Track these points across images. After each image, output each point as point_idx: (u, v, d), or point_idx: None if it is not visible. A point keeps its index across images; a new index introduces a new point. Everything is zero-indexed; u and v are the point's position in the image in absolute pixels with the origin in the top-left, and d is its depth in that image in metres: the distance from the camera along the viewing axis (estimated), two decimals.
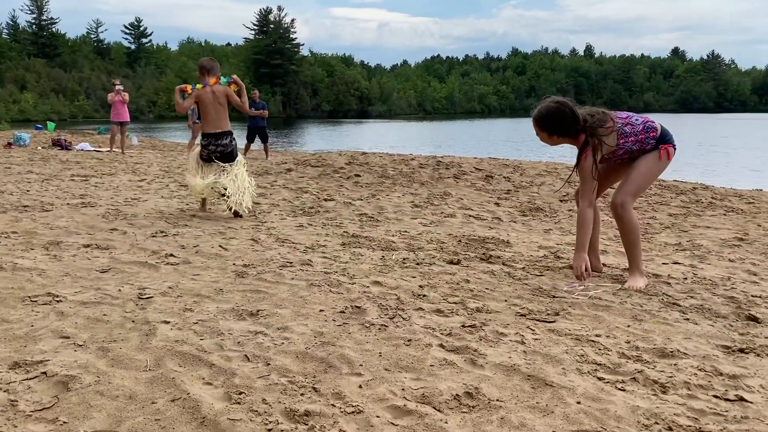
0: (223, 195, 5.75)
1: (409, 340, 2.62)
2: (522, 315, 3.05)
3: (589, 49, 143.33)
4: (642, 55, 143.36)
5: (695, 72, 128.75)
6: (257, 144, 15.95)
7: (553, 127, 3.69)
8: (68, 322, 2.75)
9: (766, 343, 2.76)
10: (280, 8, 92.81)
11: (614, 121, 3.70)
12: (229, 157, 5.90)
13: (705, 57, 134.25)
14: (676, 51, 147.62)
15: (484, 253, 4.47)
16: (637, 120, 3.76)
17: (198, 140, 15.19)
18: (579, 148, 3.73)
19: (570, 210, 6.71)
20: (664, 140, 3.75)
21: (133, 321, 2.79)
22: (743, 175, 16.59)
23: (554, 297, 3.38)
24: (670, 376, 2.34)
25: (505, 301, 3.29)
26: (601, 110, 3.74)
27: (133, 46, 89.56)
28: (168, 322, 2.77)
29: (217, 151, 5.81)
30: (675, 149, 3.78)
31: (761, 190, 11.69)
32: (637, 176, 3.74)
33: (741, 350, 2.66)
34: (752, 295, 3.59)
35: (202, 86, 5.90)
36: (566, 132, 3.70)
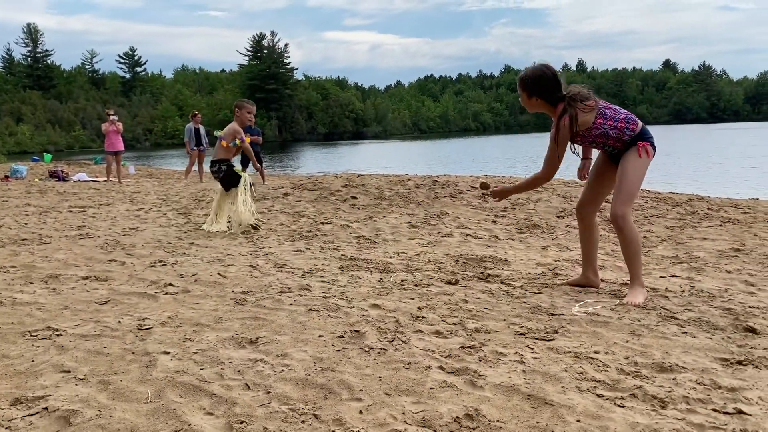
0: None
1: (408, 363, 2.63)
2: (521, 334, 3.06)
3: (581, 64, 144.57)
4: (634, 68, 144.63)
5: (687, 83, 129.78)
6: (252, 168, 16.01)
7: (533, 86, 3.73)
8: (68, 356, 2.76)
9: (764, 355, 2.78)
10: (273, 33, 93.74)
11: (597, 102, 3.73)
12: (226, 182, 6.70)
13: (696, 68, 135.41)
14: (667, 63, 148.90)
15: (482, 272, 4.48)
16: (621, 110, 3.80)
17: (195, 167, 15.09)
18: (555, 119, 3.74)
19: (567, 226, 6.74)
20: (643, 137, 3.77)
21: (133, 353, 2.80)
22: (739, 184, 16.67)
23: (553, 314, 3.40)
24: (669, 391, 2.35)
25: (504, 320, 3.31)
26: (588, 90, 3.77)
27: (128, 75, 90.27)
28: (168, 353, 2.77)
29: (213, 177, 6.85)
30: (655, 150, 3.79)
31: (757, 199, 11.74)
32: (625, 183, 3.75)
33: (739, 362, 2.67)
34: (750, 306, 3.60)
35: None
36: (545, 95, 3.73)
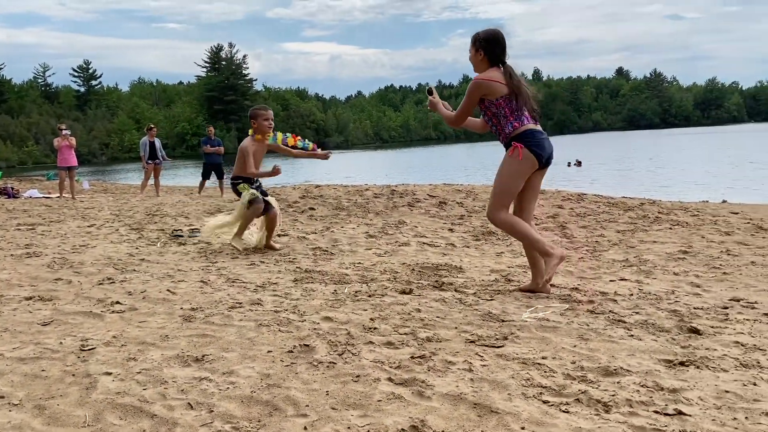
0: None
1: (357, 376, 2.61)
2: (471, 341, 3.07)
3: (537, 73, 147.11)
4: (588, 76, 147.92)
5: (640, 90, 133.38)
6: (212, 181, 15.83)
7: (484, 41, 4.05)
8: (4, 380, 2.65)
9: (706, 355, 2.84)
10: (231, 45, 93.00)
11: (519, 93, 3.98)
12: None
13: (648, 75, 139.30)
14: (620, 71, 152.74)
15: (436, 281, 4.49)
16: (523, 113, 4.02)
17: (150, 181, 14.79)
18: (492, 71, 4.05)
19: None
20: (521, 139, 3.97)
21: (73, 375, 2.71)
22: (691, 188, 17.15)
23: (503, 321, 3.42)
24: (613, 395, 2.37)
25: (455, 328, 3.31)
26: (526, 84, 4.05)
27: (82, 89, 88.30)
28: (110, 374, 2.69)
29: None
30: (535, 155, 3.96)
31: (707, 201, 12.10)
32: (496, 183, 4.09)
33: (682, 363, 2.73)
34: (695, 308, 3.69)
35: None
36: (489, 52, 4.03)
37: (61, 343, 3.17)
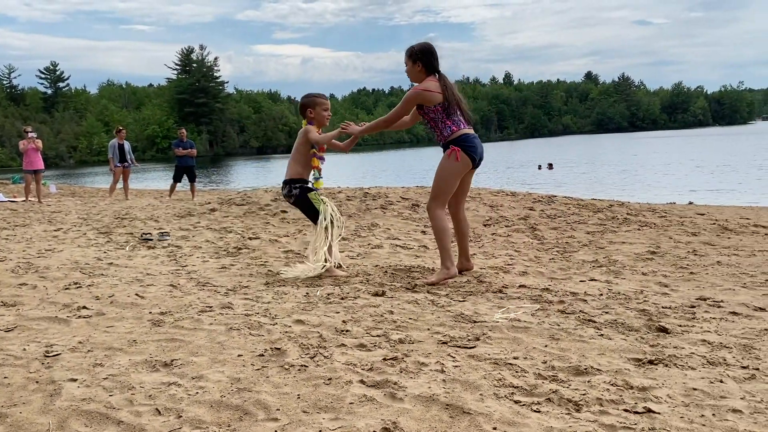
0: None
1: (329, 379, 2.59)
2: (444, 343, 3.07)
3: (508, 77, 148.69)
4: (558, 80, 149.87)
5: (608, 94, 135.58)
6: (184, 184, 15.63)
7: (419, 53, 4.44)
8: None
9: (674, 353, 2.88)
10: (202, 47, 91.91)
11: (453, 101, 4.38)
12: (304, 209, 5.00)
13: (616, 79, 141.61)
14: (589, 75, 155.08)
15: (409, 283, 4.49)
16: (459, 118, 4.42)
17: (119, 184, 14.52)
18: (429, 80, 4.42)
19: (494, 234, 6.86)
20: (458, 142, 4.36)
21: (37, 381, 2.64)
22: (658, 190, 17.46)
23: (475, 322, 3.42)
24: (584, 394, 2.39)
25: (428, 329, 3.31)
26: (457, 91, 4.46)
27: (49, 91, 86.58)
28: (75, 380, 2.63)
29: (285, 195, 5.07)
30: (471, 159, 4.39)
31: (674, 203, 12.33)
32: (435, 181, 4.47)
33: (651, 362, 2.76)
34: (663, 307, 3.74)
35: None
36: (425, 62, 4.42)
37: (24, 349, 3.09)
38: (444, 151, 4.43)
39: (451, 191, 4.48)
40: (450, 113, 4.36)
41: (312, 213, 4.94)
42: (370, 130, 4.76)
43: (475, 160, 4.44)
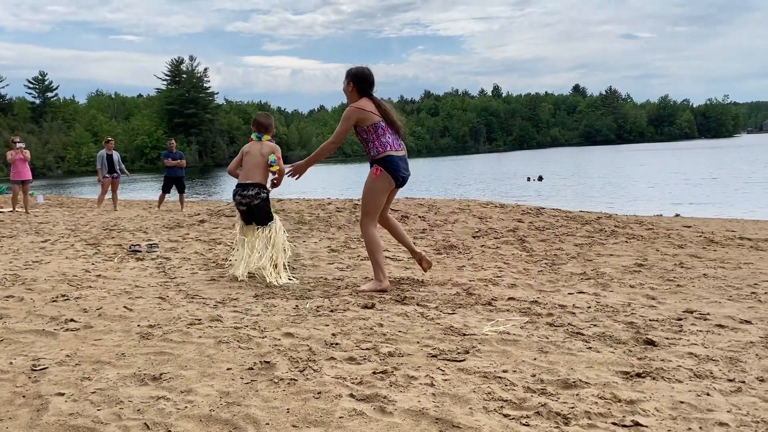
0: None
1: (318, 393, 2.59)
2: (433, 356, 3.08)
3: (496, 89, 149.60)
4: (546, 92, 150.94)
5: (596, 107, 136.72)
6: (173, 195, 15.57)
7: (354, 76, 4.78)
8: None
9: (661, 366, 2.90)
10: (192, 58, 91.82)
11: (387, 124, 4.72)
12: (259, 215, 5.49)
13: (604, 92, 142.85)
14: (577, 88, 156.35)
15: (398, 295, 4.50)
16: (391, 140, 4.71)
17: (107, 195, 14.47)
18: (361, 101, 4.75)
19: (483, 246, 6.88)
20: (381, 162, 4.66)
21: (23, 396, 2.62)
22: (645, 202, 17.59)
23: (465, 335, 3.43)
24: (572, 407, 2.40)
25: (418, 342, 3.31)
26: (394, 112, 4.81)
27: (37, 101, 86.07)
28: (63, 394, 2.61)
29: (242, 202, 5.47)
30: (394, 179, 4.68)
31: (661, 215, 12.43)
32: (364, 202, 4.76)
33: (638, 375, 2.78)
34: (650, 319, 3.77)
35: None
36: (359, 85, 4.76)
37: (11, 363, 3.06)
38: (371, 169, 4.75)
39: (380, 207, 4.77)
40: (380, 135, 4.67)
41: (265, 217, 5.53)
42: (317, 158, 4.96)
43: (398, 180, 4.72)
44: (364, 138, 4.72)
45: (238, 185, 5.55)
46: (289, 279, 5.21)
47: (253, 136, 5.77)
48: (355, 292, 4.59)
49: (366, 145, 4.73)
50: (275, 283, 5.05)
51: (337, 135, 4.79)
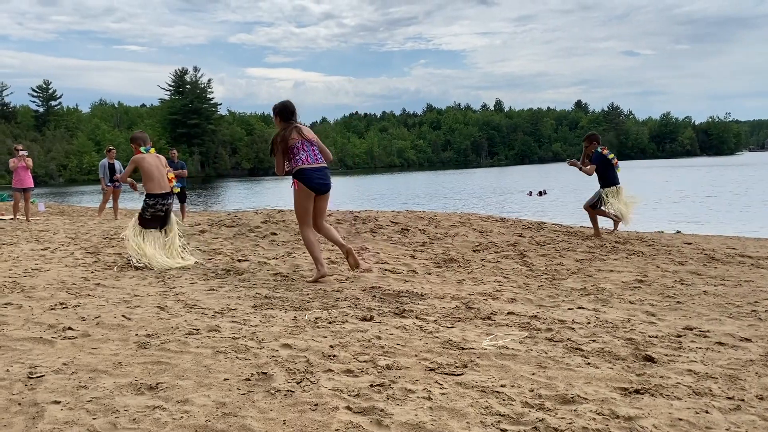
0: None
1: (315, 405, 2.57)
2: (431, 369, 3.07)
3: (499, 104, 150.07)
4: (548, 108, 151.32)
5: (598, 122, 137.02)
6: (174, 205, 15.58)
7: (278, 111, 5.82)
8: None
9: (660, 383, 2.89)
10: (196, 69, 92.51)
11: (303, 144, 5.65)
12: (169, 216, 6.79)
13: (606, 108, 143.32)
14: (579, 103, 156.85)
15: (397, 308, 4.49)
16: (304, 155, 5.62)
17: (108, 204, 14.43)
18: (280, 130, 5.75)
19: (483, 260, 6.88)
20: (296, 176, 5.60)
21: (19, 404, 2.61)
22: (646, 218, 17.58)
23: (463, 349, 3.42)
24: (570, 423, 2.39)
25: (416, 356, 3.30)
26: (310, 133, 5.78)
27: (41, 109, 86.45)
28: (59, 402, 2.60)
29: (163, 210, 6.65)
30: (310, 188, 5.58)
31: (662, 232, 12.42)
32: (295, 211, 5.76)
33: (637, 391, 2.77)
34: (649, 336, 3.76)
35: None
36: (283, 117, 5.77)
37: (7, 370, 3.05)
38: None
39: (307, 212, 5.70)
40: (295, 153, 5.61)
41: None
42: (278, 167, 5.79)
43: (314, 189, 5.61)
44: (288, 158, 5.66)
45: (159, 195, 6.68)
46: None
47: (142, 149, 6.87)
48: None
49: (289, 163, 5.70)
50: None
51: (277, 160, 5.76)
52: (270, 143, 5.84)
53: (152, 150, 6.87)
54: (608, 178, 8.77)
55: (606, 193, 8.74)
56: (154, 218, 6.64)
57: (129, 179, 7.16)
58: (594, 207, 8.84)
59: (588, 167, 8.75)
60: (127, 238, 6.66)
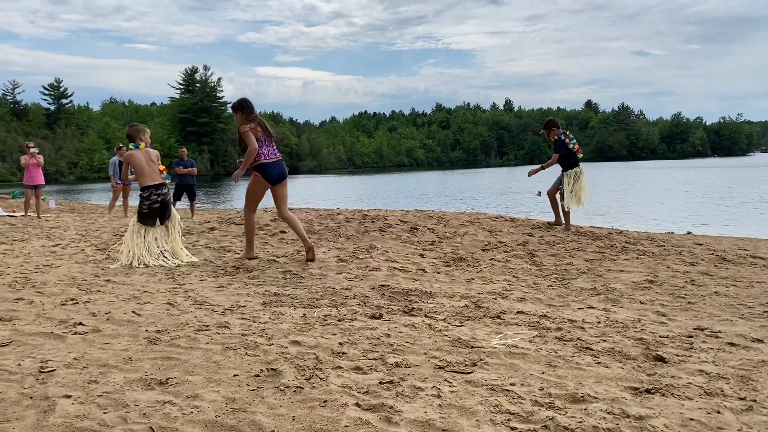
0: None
1: (324, 401, 2.57)
2: (440, 367, 3.06)
3: (508, 104, 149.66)
4: (558, 107, 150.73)
5: (608, 123, 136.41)
6: (184, 203, 15.64)
7: (240, 105, 6.41)
8: None
9: (671, 383, 2.87)
10: (206, 67, 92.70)
11: (265, 137, 6.38)
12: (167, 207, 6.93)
13: (616, 109, 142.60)
14: (589, 104, 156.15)
15: (406, 306, 4.48)
16: (265, 149, 6.34)
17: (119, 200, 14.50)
18: (240, 125, 6.39)
19: (492, 259, 6.86)
20: (257, 168, 6.31)
21: (31, 397, 2.62)
22: (656, 219, 17.49)
23: (473, 347, 3.41)
24: (580, 422, 2.38)
25: (425, 354, 3.30)
26: (272, 128, 6.54)
27: (52, 107, 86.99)
28: (69, 396, 2.62)
29: (158, 201, 6.80)
30: (267, 179, 6.34)
31: (672, 233, 12.34)
32: (246, 193, 6.57)
33: (648, 391, 2.75)
34: (660, 336, 3.74)
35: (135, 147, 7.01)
36: (248, 111, 6.38)
37: (19, 364, 3.07)
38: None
39: (256, 198, 6.55)
40: (260, 146, 6.29)
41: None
42: (246, 164, 6.38)
43: (271, 181, 6.35)
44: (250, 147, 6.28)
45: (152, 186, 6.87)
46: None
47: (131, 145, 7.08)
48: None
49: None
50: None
51: (250, 147, 6.25)
52: (239, 135, 6.37)
53: (142, 145, 6.99)
54: (570, 162, 9.02)
55: (568, 174, 8.91)
56: (151, 211, 6.77)
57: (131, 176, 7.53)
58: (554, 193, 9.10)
59: (551, 159, 9.01)
60: (124, 241, 6.75)
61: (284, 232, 8.58)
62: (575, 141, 9.17)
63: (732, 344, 3.59)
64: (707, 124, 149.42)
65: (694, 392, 2.76)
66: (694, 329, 3.93)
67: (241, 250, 7.29)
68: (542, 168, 9.22)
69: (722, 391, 2.79)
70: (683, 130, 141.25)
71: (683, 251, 7.54)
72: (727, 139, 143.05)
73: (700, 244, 8.61)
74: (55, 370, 2.98)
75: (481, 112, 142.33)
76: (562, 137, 9.07)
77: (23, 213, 14.22)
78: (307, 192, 37.28)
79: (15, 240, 8.70)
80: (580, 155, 9.14)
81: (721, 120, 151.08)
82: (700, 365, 3.16)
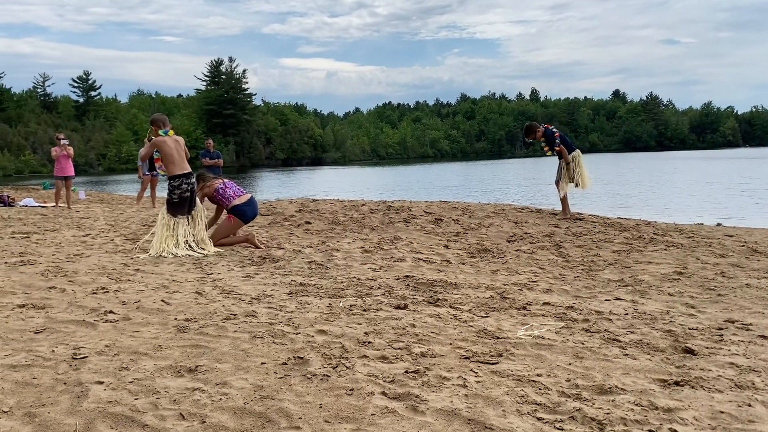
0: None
1: (351, 390, 2.59)
2: (466, 358, 3.06)
3: (534, 93, 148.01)
4: (585, 97, 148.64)
5: (636, 113, 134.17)
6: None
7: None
8: None
9: (701, 375, 2.83)
10: (231, 59, 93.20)
11: (220, 185, 7.16)
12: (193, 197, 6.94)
13: (644, 98, 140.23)
14: (617, 93, 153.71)
15: (431, 297, 4.48)
16: (235, 189, 7.19)
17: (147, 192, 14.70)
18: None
19: (518, 251, 6.82)
20: (233, 211, 6.99)
21: (64, 383, 2.69)
22: (685, 210, 17.20)
23: (498, 338, 3.41)
24: (608, 413, 2.37)
25: (450, 344, 3.30)
26: (212, 177, 7.43)
27: (81, 99, 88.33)
28: (102, 383, 2.67)
29: (189, 189, 6.81)
30: (241, 221, 7.05)
31: (701, 224, 12.13)
32: (219, 228, 7.14)
33: (676, 383, 2.72)
34: (689, 328, 3.69)
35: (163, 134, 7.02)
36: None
37: (53, 351, 3.14)
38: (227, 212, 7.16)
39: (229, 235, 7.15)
40: (221, 193, 7.08)
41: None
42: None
43: (247, 221, 7.17)
44: (218, 196, 7.08)
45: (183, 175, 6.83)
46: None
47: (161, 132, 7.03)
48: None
49: (217, 198, 7.11)
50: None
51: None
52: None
53: (171, 132, 7.01)
54: (568, 147, 9.20)
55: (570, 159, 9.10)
56: (182, 200, 6.77)
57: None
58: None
59: (563, 156, 9.16)
60: (155, 232, 6.79)
61: (309, 222, 8.63)
62: (555, 130, 9.32)
63: (764, 337, 3.53)
64: (739, 113, 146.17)
65: (725, 385, 2.72)
66: (725, 321, 3.87)
67: (267, 241, 7.36)
68: (568, 165, 9.16)
69: (753, 384, 2.75)
70: (714, 119, 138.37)
71: (713, 243, 7.41)
72: (759, 129, 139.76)
73: (731, 236, 8.46)
74: (87, 356, 3.05)
75: (507, 102, 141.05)
76: (549, 131, 9.19)
77: (54, 204, 14.50)
78: (331, 183, 37.37)
79: (47, 230, 8.88)
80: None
81: (754, 109, 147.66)
82: (731, 358, 3.12)
